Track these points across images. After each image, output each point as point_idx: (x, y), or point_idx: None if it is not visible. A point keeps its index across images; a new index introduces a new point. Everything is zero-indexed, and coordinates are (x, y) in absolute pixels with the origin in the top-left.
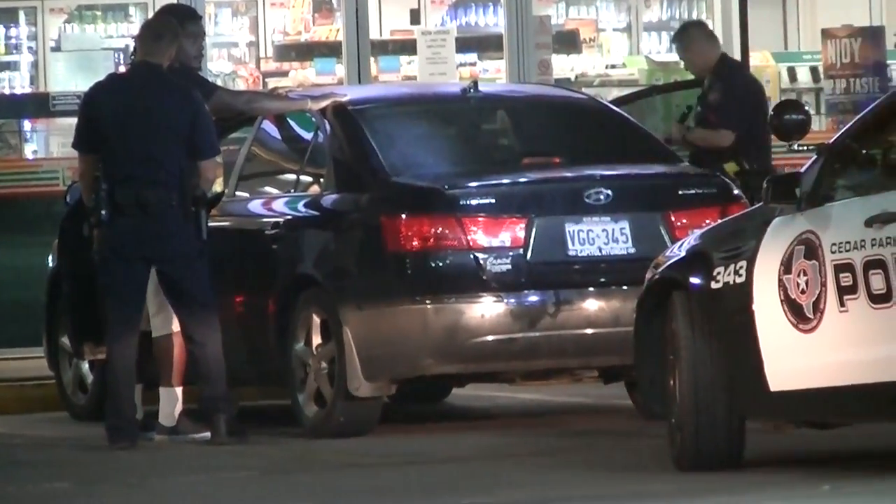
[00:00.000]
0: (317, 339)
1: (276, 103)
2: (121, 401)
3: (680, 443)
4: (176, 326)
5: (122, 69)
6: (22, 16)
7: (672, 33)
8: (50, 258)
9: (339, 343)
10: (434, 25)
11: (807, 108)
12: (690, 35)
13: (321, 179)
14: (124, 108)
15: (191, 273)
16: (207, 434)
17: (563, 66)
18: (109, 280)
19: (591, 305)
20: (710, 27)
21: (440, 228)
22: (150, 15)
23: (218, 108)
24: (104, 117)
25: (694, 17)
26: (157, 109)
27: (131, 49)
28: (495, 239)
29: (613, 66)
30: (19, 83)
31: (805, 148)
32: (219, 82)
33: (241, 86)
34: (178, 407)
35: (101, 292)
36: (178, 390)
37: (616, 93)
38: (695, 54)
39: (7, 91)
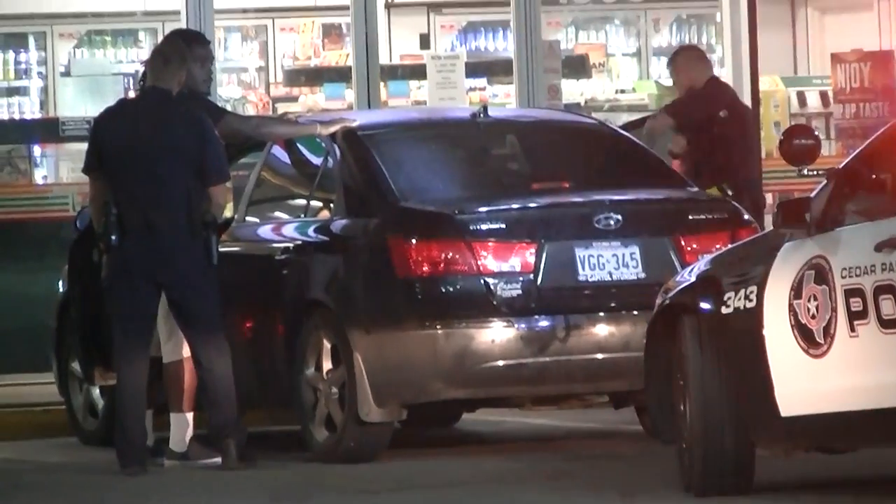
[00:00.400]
0: (327, 364)
1: (286, 128)
2: (130, 426)
3: (690, 467)
4: (187, 352)
5: (132, 94)
6: (31, 40)
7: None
8: (60, 283)
9: (349, 368)
10: (444, 50)
11: (816, 132)
12: (681, 58)
13: (331, 204)
14: (132, 133)
15: (199, 297)
16: (218, 459)
17: (573, 90)
18: (118, 304)
19: (602, 330)
20: (720, 52)
21: (450, 253)
22: (160, 40)
23: (227, 133)
24: (113, 142)
25: (704, 41)
26: (165, 134)
27: (141, 74)
28: (505, 264)
29: (623, 91)
30: (29, 108)
31: (815, 173)
32: (228, 107)
33: (250, 111)
34: (189, 432)
35: (111, 317)
36: (189, 416)
37: (626, 117)
38: (686, 76)
39: (17, 116)
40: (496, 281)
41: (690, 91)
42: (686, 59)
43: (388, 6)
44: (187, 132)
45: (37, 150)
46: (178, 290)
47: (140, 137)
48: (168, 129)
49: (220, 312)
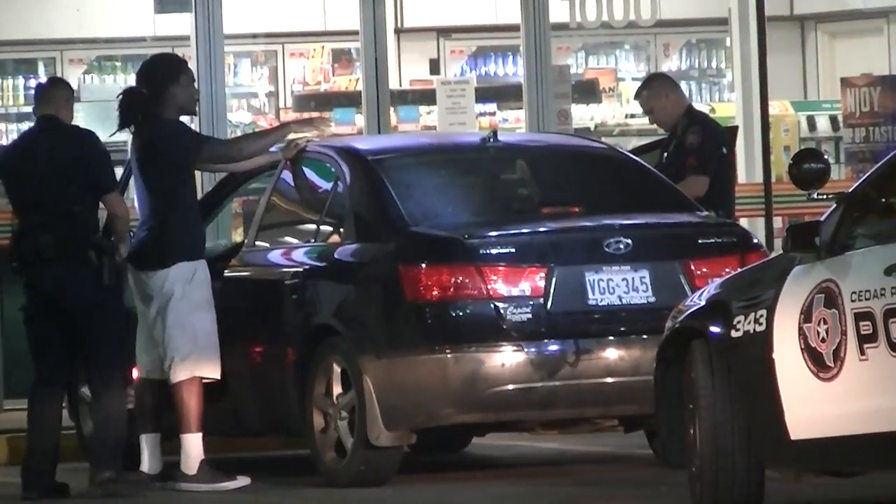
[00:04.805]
0: (337, 389)
1: (258, 142)
2: (34, 455)
3: (700, 492)
4: (194, 372)
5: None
6: (41, 66)
7: (699, 82)
8: None
9: (359, 392)
10: (453, 75)
11: (826, 156)
12: (660, 84)
13: (341, 229)
14: (20, 160)
15: (92, 325)
16: (229, 484)
17: (583, 115)
18: (28, 334)
19: (611, 354)
20: (730, 77)
21: (460, 278)
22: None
23: (214, 159)
24: (7, 172)
25: (713, 66)
26: (46, 156)
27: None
28: (515, 288)
29: (633, 116)
30: None
31: (824, 197)
32: (238, 132)
33: None
34: (198, 454)
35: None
36: (198, 437)
37: (635, 142)
38: (669, 102)
39: None
40: (506, 305)
41: (703, 133)
42: (666, 85)
43: (397, 31)
44: (66, 150)
45: None
46: (72, 316)
47: (24, 163)
48: (47, 151)
49: (116, 344)
